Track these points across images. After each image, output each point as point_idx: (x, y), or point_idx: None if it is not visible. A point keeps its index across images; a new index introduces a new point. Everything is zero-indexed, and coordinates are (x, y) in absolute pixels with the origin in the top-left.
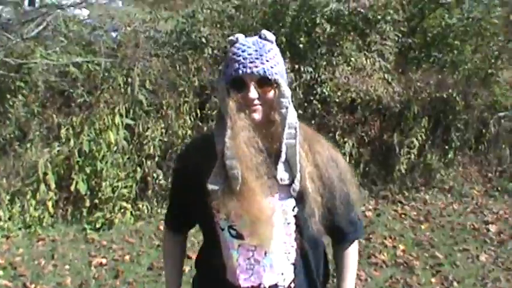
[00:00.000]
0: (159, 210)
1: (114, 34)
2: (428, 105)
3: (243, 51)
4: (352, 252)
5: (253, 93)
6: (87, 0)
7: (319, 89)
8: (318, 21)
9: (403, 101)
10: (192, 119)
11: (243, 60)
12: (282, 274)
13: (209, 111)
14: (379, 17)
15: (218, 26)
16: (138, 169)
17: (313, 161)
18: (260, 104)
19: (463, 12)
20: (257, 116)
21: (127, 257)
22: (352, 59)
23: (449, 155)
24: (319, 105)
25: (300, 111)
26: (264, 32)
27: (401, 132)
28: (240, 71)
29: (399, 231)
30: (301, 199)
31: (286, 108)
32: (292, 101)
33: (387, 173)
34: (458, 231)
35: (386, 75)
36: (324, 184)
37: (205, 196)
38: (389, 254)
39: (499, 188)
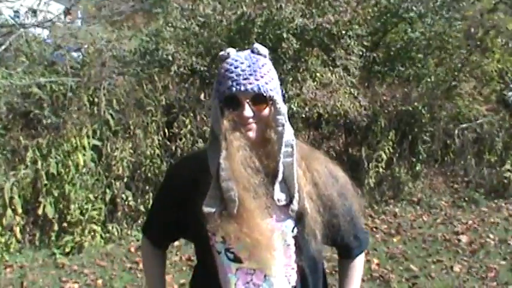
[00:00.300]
0: (129, 232)
1: (75, 54)
2: (395, 119)
3: (235, 68)
4: (357, 265)
5: (248, 111)
6: (51, 19)
7: (286, 105)
8: (285, 36)
9: (369, 115)
10: (160, 138)
11: (236, 77)
12: None
13: (177, 130)
14: (343, 32)
15: (184, 43)
16: (107, 190)
17: (311, 179)
18: (255, 122)
19: (425, 26)
20: (252, 134)
21: (99, 281)
22: (318, 74)
23: (417, 167)
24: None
25: None
26: (257, 45)
27: (369, 146)
28: (234, 89)
29: (372, 245)
30: (300, 220)
31: (283, 125)
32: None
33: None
34: (430, 242)
35: (352, 90)
36: (324, 203)
37: (198, 217)
38: (364, 268)
39: (466, 199)
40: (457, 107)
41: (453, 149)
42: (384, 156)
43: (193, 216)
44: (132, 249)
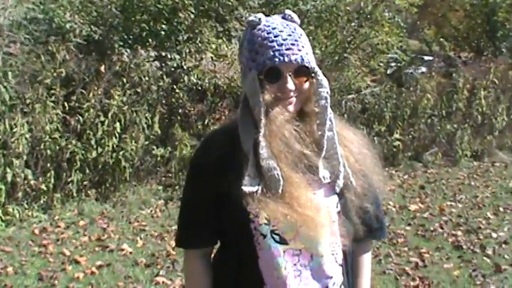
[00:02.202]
0: (30, 213)
1: None
2: None
3: (275, 36)
4: (369, 258)
5: (290, 84)
6: None
7: (186, 77)
8: (184, 4)
9: None
10: (60, 112)
11: (277, 47)
12: (332, 277)
13: (76, 104)
14: (237, 3)
15: (78, 11)
16: (8, 170)
17: (350, 152)
18: (295, 96)
19: None
20: (292, 108)
21: (10, 269)
22: (213, 45)
23: None
24: (181, 94)
25: (170, 100)
26: (288, 12)
27: None
28: (277, 59)
29: None
30: (342, 194)
31: (326, 99)
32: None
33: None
34: None
35: None
36: (362, 175)
37: (236, 200)
38: None
39: None
40: (348, 78)
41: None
42: None
43: (230, 200)
44: (37, 231)
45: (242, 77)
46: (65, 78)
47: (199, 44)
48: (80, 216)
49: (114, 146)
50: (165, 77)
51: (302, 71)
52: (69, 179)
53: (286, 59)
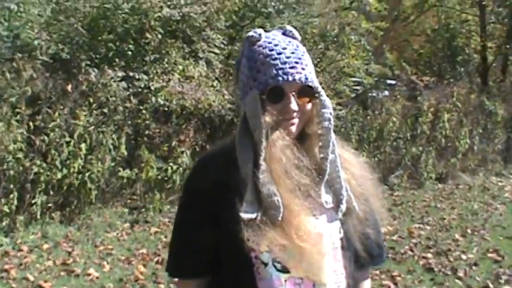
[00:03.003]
0: None
1: None
2: None
3: (278, 54)
4: (369, 284)
5: (294, 104)
6: None
7: (153, 98)
8: (152, 24)
9: (234, 109)
10: (25, 131)
11: (281, 65)
12: None
13: (42, 123)
14: (205, 24)
15: (45, 29)
16: None
17: (352, 175)
18: (298, 117)
19: (283, 22)
20: (294, 130)
21: None
22: (180, 66)
23: None
24: (148, 115)
25: (136, 121)
26: (289, 27)
27: None
28: (280, 79)
29: None
30: (344, 219)
31: (329, 120)
32: None
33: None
34: None
35: (215, 83)
36: (364, 199)
37: (235, 227)
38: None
39: None
40: None
41: None
42: None
43: (228, 227)
44: None
45: (240, 96)
46: (30, 96)
47: (166, 65)
48: (43, 240)
49: (80, 167)
50: (132, 97)
51: (306, 90)
52: (33, 201)
53: (290, 78)
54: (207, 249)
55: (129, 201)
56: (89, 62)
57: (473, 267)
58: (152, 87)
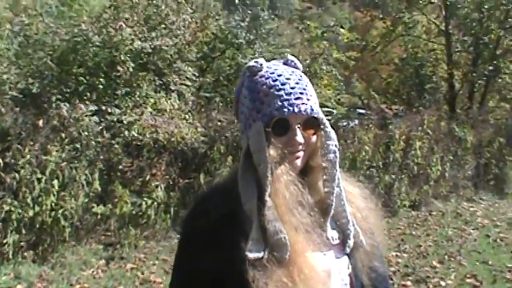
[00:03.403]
0: None
1: None
2: (232, 144)
3: (282, 84)
4: None
5: (300, 137)
6: None
7: (126, 132)
8: (122, 59)
9: (207, 141)
10: None
11: (286, 96)
12: None
13: (12, 160)
14: (176, 56)
15: (14, 63)
16: None
17: (357, 208)
18: (303, 150)
19: (255, 52)
20: (299, 163)
21: None
22: (152, 99)
23: None
24: (120, 149)
25: (109, 155)
26: (291, 57)
27: (208, 172)
28: (286, 110)
29: None
30: (352, 254)
31: (335, 152)
32: None
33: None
34: None
35: (187, 116)
36: (370, 233)
37: (241, 268)
38: None
39: None
40: None
41: None
42: None
43: (233, 268)
44: None
45: (242, 128)
46: (0, 132)
47: (138, 98)
48: (16, 280)
49: (53, 204)
50: (104, 131)
51: (311, 122)
52: (4, 240)
53: (296, 110)
54: None
55: (103, 237)
56: (59, 96)
57: None
58: (125, 121)
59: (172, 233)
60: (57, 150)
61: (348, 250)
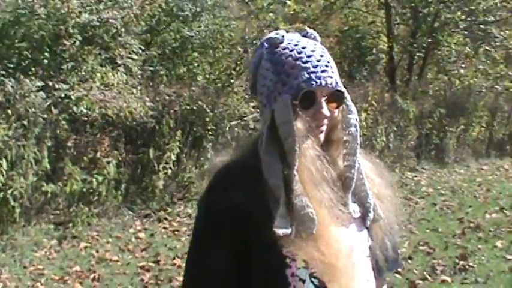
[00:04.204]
0: None
1: None
2: (181, 118)
3: (308, 57)
4: None
5: (326, 109)
6: None
7: (74, 108)
8: (71, 31)
9: (156, 116)
10: None
11: (312, 69)
12: None
13: None
14: (123, 29)
15: None
16: None
17: (372, 182)
18: (326, 123)
19: (200, 25)
20: (322, 137)
21: None
22: (98, 74)
23: (205, 166)
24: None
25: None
26: (309, 30)
27: (157, 147)
28: (313, 82)
29: (182, 249)
30: (370, 227)
31: (355, 126)
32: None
33: (146, 191)
34: None
35: (135, 90)
36: (384, 206)
37: (268, 245)
38: None
39: None
40: (230, 104)
41: (233, 145)
42: (172, 157)
43: (259, 246)
44: None
45: (264, 102)
46: None
47: (84, 73)
48: None
49: (1, 184)
50: (52, 108)
51: (335, 95)
52: None
53: (323, 83)
54: (232, 277)
55: (53, 216)
56: (3, 72)
57: (409, 261)
58: (73, 97)
59: (124, 209)
60: (3, 128)
61: (368, 223)
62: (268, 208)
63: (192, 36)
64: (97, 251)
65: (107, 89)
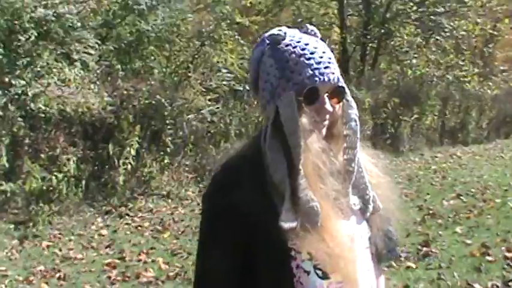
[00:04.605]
0: None
1: None
2: (140, 113)
3: (311, 53)
4: (383, 280)
5: (329, 105)
6: None
7: (32, 105)
8: (27, 26)
9: (114, 111)
10: None
11: (316, 65)
12: None
13: None
14: (78, 24)
15: None
16: None
17: (370, 173)
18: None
19: (157, 18)
20: (324, 132)
21: None
22: (54, 69)
23: (165, 160)
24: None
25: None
26: (310, 26)
27: (117, 142)
28: (317, 79)
29: (146, 245)
30: (369, 219)
31: (356, 121)
32: None
33: (106, 187)
34: None
35: (93, 86)
36: (382, 197)
37: (273, 239)
38: (155, 270)
39: None
40: (188, 98)
41: (192, 139)
42: (132, 152)
43: (264, 240)
44: None
45: (267, 98)
46: None
47: (40, 69)
48: None
49: None
50: (9, 105)
51: (337, 91)
52: None
53: (326, 79)
54: (239, 262)
55: (12, 216)
56: None
57: None
58: (30, 93)
59: (85, 206)
60: None
61: (368, 215)
62: (272, 203)
63: (148, 30)
64: (60, 250)
65: (64, 85)
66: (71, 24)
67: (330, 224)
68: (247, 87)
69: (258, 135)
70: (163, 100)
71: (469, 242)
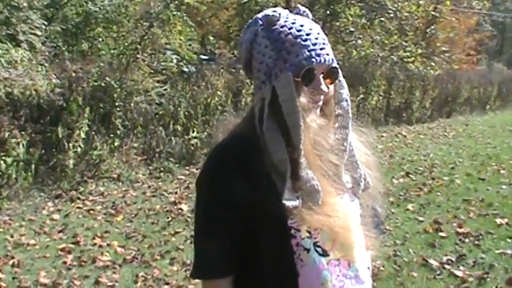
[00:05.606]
0: None
1: None
2: (89, 95)
3: (307, 34)
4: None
5: (324, 85)
6: None
7: None
8: None
9: (63, 93)
10: None
11: (312, 46)
12: (365, 282)
13: None
14: (24, 4)
15: None
16: None
17: (359, 151)
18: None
19: (104, 0)
20: (318, 112)
21: None
22: (0, 51)
23: (115, 143)
24: None
25: None
26: (302, 8)
27: (66, 125)
28: (313, 60)
29: (100, 229)
30: (360, 196)
31: (347, 100)
32: None
33: (56, 171)
34: (155, 217)
35: (40, 68)
36: (372, 170)
37: (273, 216)
38: (111, 253)
39: (162, 169)
40: (137, 80)
41: (141, 121)
42: (82, 135)
43: (263, 216)
44: None
45: (263, 79)
46: None
47: None
48: None
49: None
50: None
51: (331, 72)
52: None
53: (322, 60)
54: (238, 242)
55: None
56: None
57: None
58: None
59: (34, 191)
60: None
61: (359, 192)
62: (271, 183)
63: (95, 11)
64: (12, 236)
65: (10, 67)
66: (16, 4)
67: (331, 200)
68: (194, 69)
69: (249, 116)
70: (112, 82)
71: (421, 219)
